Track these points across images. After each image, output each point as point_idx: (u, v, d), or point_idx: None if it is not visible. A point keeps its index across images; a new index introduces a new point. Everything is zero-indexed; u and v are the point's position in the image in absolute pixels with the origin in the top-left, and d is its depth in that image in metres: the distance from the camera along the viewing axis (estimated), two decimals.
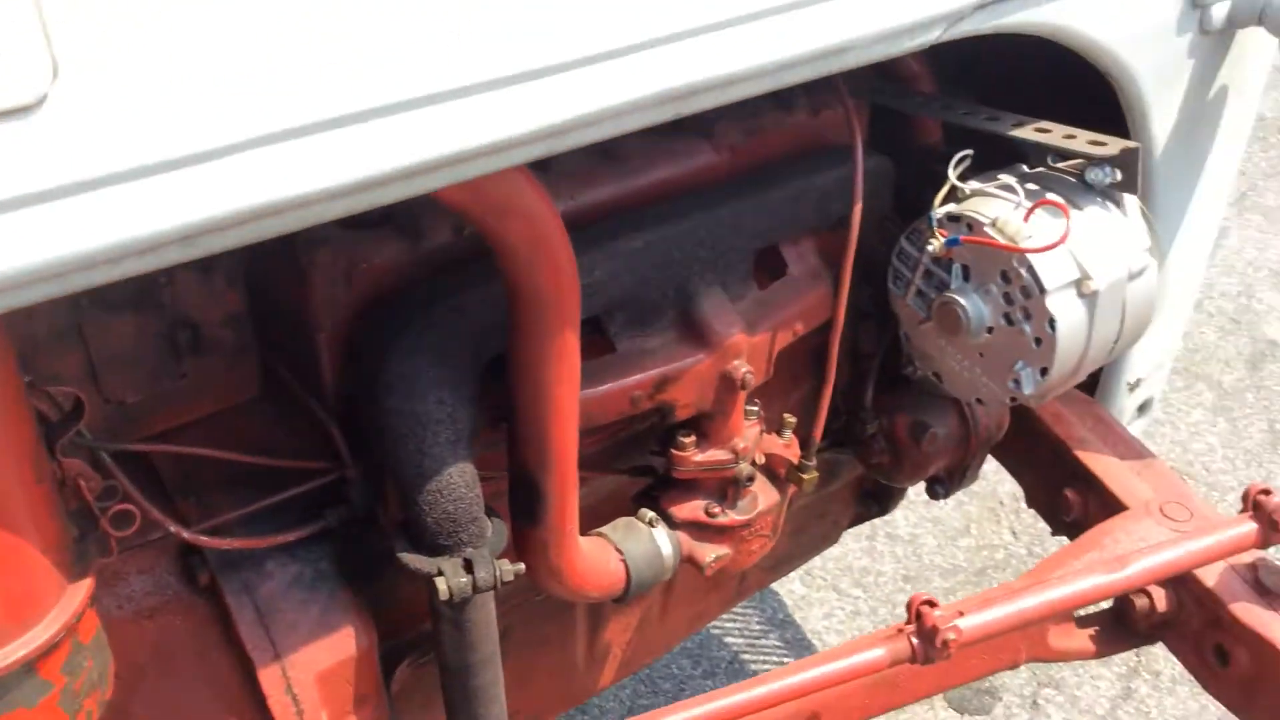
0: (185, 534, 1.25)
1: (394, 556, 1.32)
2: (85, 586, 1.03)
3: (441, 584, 1.28)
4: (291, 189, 0.86)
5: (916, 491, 2.02)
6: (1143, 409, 2.11)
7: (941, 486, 1.91)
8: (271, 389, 1.37)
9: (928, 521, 3.19)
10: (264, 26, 0.83)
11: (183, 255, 0.85)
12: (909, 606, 1.42)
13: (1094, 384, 1.96)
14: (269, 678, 1.31)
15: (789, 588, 3.01)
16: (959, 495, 3.25)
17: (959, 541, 3.15)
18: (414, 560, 1.30)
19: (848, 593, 3.02)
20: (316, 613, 1.35)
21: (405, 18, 0.89)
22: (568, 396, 1.28)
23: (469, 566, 1.30)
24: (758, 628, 2.91)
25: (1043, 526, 1.91)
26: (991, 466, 2.02)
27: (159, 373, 1.27)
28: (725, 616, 2.94)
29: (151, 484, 1.29)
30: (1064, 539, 1.85)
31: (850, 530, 2.86)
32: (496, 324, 1.27)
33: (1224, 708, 1.66)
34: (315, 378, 1.33)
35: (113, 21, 0.76)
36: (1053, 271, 1.41)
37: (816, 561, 3.03)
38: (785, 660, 2.83)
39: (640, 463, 1.63)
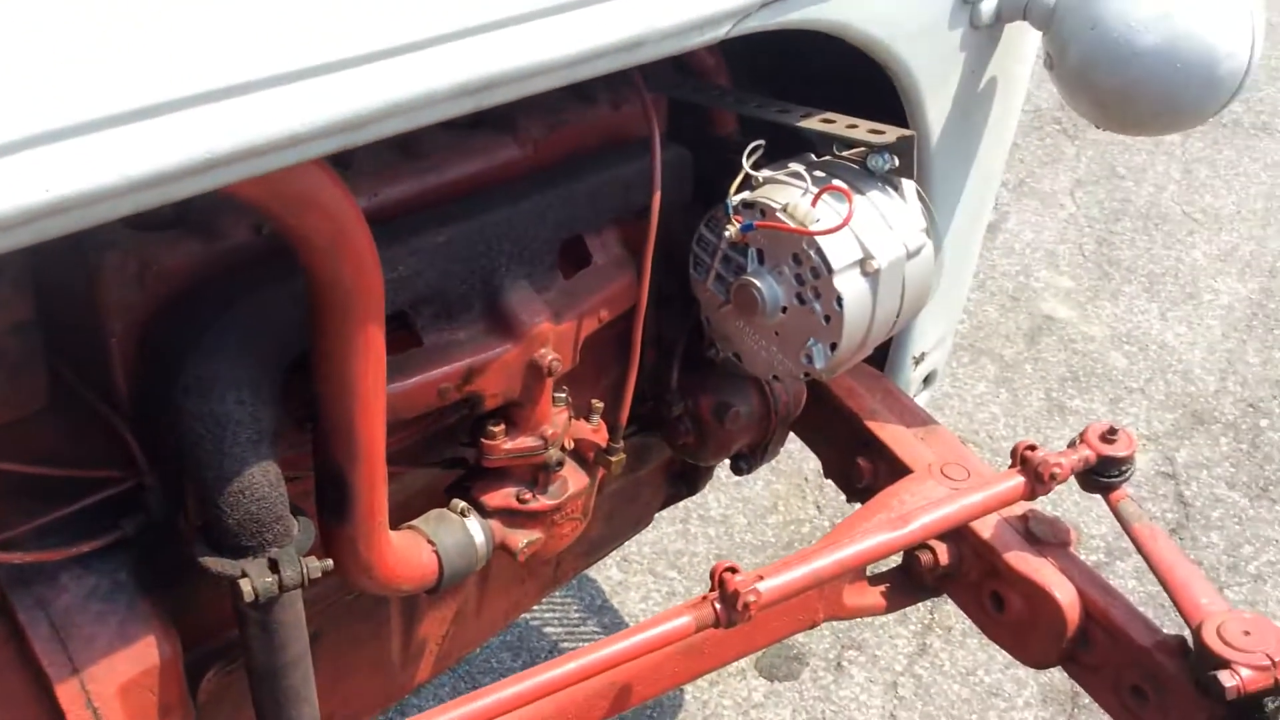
0: None
1: (195, 562, 1.29)
2: None
3: (246, 585, 1.26)
4: (77, 185, 0.84)
5: (728, 475, 2.09)
6: (927, 381, 2.25)
7: (745, 462, 1.99)
8: (63, 399, 1.31)
9: (738, 502, 3.30)
10: (52, 16, 0.80)
11: None
12: (712, 574, 1.48)
13: (882, 360, 2.08)
14: (67, 693, 1.26)
15: (606, 574, 3.06)
16: (767, 475, 3.38)
17: (768, 519, 3.27)
18: (216, 563, 1.27)
19: (664, 575, 3.09)
20: (115, 624, 1.30)
21: (199, 8, 0.87)
22: (373, 391, 1.27)
23: (274, 566, 1.28)
24: (576, 615, 2.95)
25: (844, 500, 2.02)
26: (796, 445, 2.11)
27: None
28: (544, 606, 2.96)
29: None
30: (859, 505, 1.96)
31: (664, 514, 2.94)
32: (297, 322, 1.26)
33: (1006, 652, 1.79)
34: (108, 384, 1.28)
35: None
36: (839, 252, 1.49)
37: (632, 547, 3.09)
38: None
39: (452, 455, 1.63)
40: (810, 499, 3.34)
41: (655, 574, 3.09)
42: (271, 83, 0.92)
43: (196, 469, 1.25)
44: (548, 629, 2.92)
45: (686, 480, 2.24)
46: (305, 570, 1.30)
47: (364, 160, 1.38)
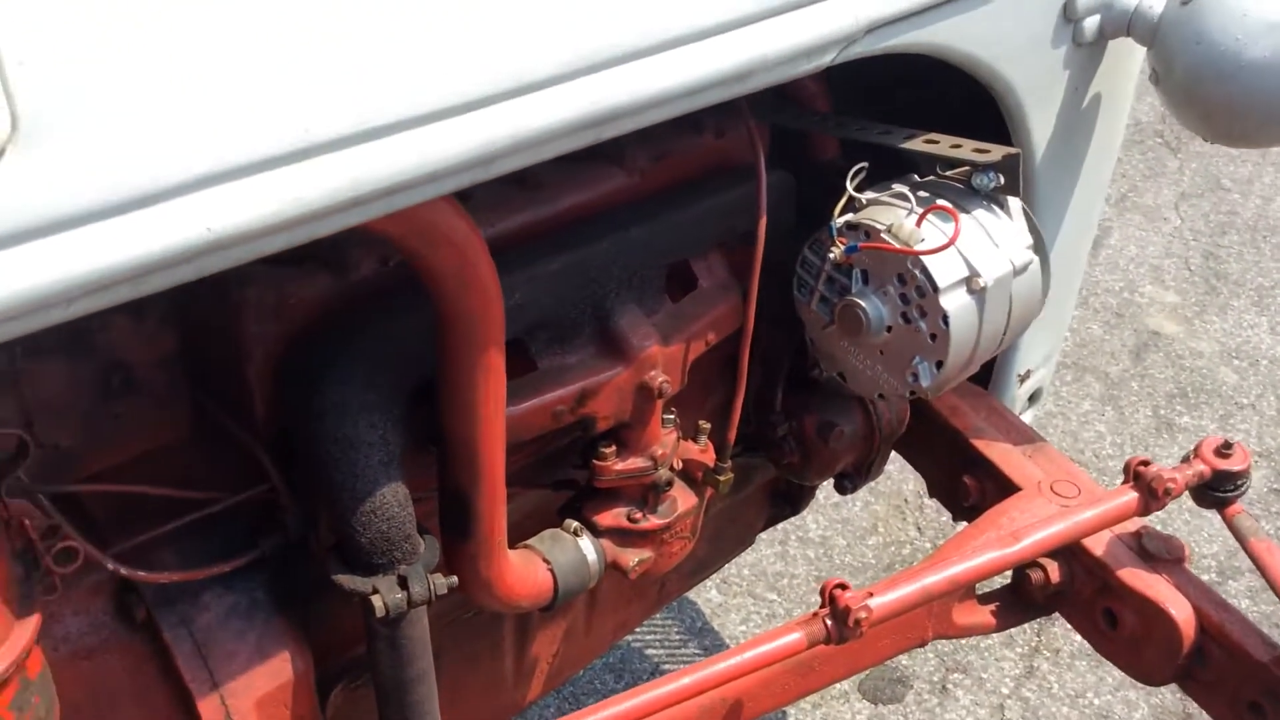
0: (122, 569, 1.26)
1: (328, 580, 1.34)
2: (32, 624, 1.04)
3: (377, 601, 1.31)
4: (236, 224, 0.90)
5: (826, 496, 2.10)
6: (1033, 399, 2.24)
7: (849, 481, 2.00)
8: (204, 429, 1.38)
9: (837, 523, 3.30)
10: (199, 67, 0.86)
11: (133, 293, 0.87)
12: (822, 591, 1.49)
13: (987, 377, 2.08)
14: (208, 708, 1.32)
15: (706, 596, 3.08)
16: (866, 495, 3.37)
17: (867, 540, 3.26)
18: (349, 581, 1.33)
19: (763, 597, 3.10)
20: (253, 640, 1.37)
21: (334, 53, 0.93)
22: (495, 415, 1.32)
23: (403, 583, 1.34)
24: (677, 638, 2.97)
25: (946, 520, 2.02)
26: (896, 466, 2.11)
27: (92, 415, 1.27)
28: (645, 629, 2.99)
29: (86, 525, 1.29)
30: (965, 525, 1.95)
31: (763, 536, 2.95)
32: (422, 350, 1.31)
33: (1119, 671, 1.77)
34: (247, 412, 1.35)
35: (68, 77, 0.79)
36: (944, 271, 1.50)
37: (731, 569, 3.10)
38: None
39: (563, 476, 1.68)
40: (910, 520, 3.32)
41: (755, 596, 3.10)
42: (410, 123, 0.97)
43: (330, 490, 1.31)
44: (650, 651, 2.95)
45: (789, 500, 2.25)
46: (432, 586, 1.35)
47: (483, 193, 1.44)
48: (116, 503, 1.33)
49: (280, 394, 1.34)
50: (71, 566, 1.10)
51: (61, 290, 0.83)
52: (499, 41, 1.01)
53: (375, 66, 0.95)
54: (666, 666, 2.93)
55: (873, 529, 3.29)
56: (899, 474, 3.28)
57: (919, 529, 3.30)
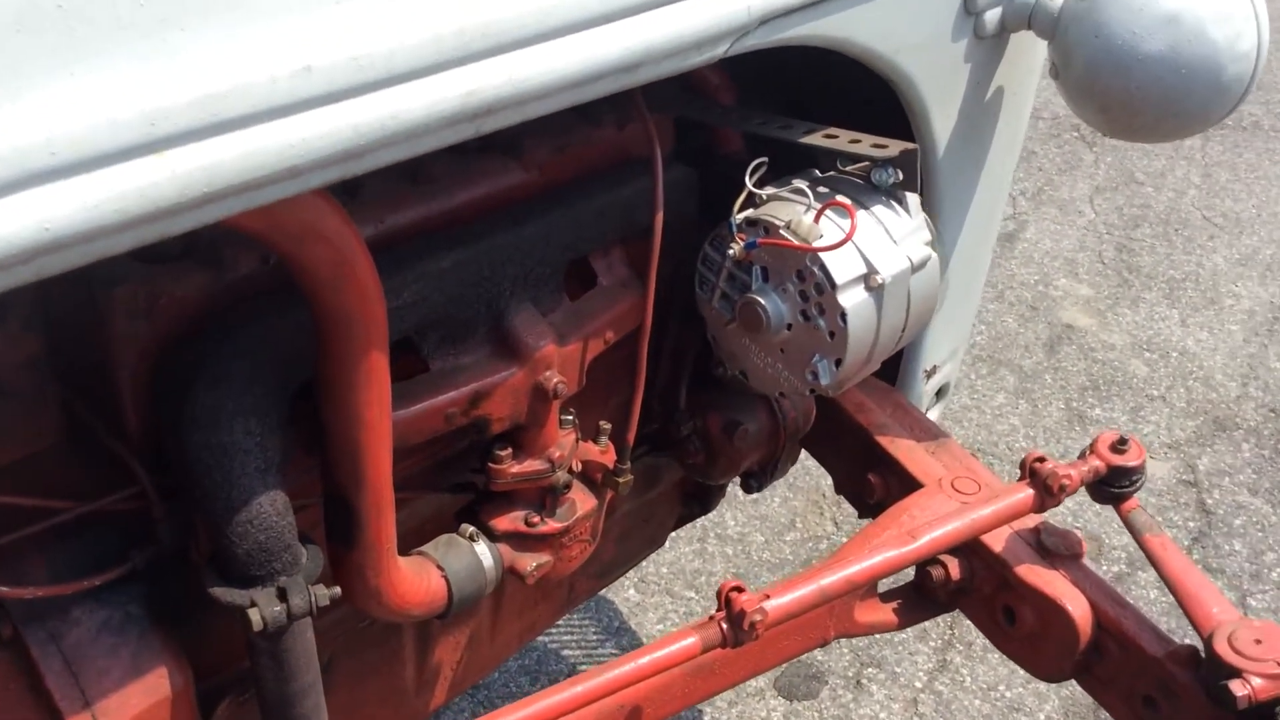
0: None
1: (205, 592, 1.29)
2: None
3: (255, 615, 1.26)
4: (74, 223, 0.84)
5: (744, 492, 2.08)
6: (940, 394, 2.24)
7: (755, 480, 1.98)
8: (75, 433, 1.32)
9: (756, 519, 3.29)
10: (33, 53, 0.81)
11: None
12: (719, 594, 1.47)
13: (894, 374, 2.07)
14: None
15: (624, 595, 3.06)
16: (784, 491, 3.37)
17: (785, 536, 3.26)
18: (226, 594, 1.27)
19: (681, 595, 3.08)
20: (127, 656, 1.31)
21: (183, 39, 0.88)
22: (379, 418, 1.28)
23: (283, 595, 1.28)
24: (594, 637, 2.94)
25: (851, 505, 2.01)
26: (813, 461, 2.10)
27: None
28: (561, 629, 2.96)
29: None
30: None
31: (681, 533, 2.93)
32: (303, 350, 1.26)
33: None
34: (119, 417, 1.29)
35: None
36: (842, 268, 1.48)
37: (649, 567, 3.08)
38: None
39: (461, 480, 1.63)
40: (828, 515, 3.32)
41: (673, 594, 3.08)
42: (269, 115, 0.92)
43: (204, 500, 1.25)
44: (565, 651, 2.92)
45: (699, 499, 2.23)
46: (313, 599, 1.30)
47: (370, 186, 1.39)
48: None
49: (153, 398, 1.28)
50: None
51: None
52: (365, 26, 0.97)
53: (229, 53, 0.90)
54: (583, 667, 2.90)
55: (791, 524, 3.29)
56: (816, 469, 3.27)
57: (836, 524, 3.30)
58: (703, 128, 1.70)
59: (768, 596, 1.44)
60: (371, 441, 1.29)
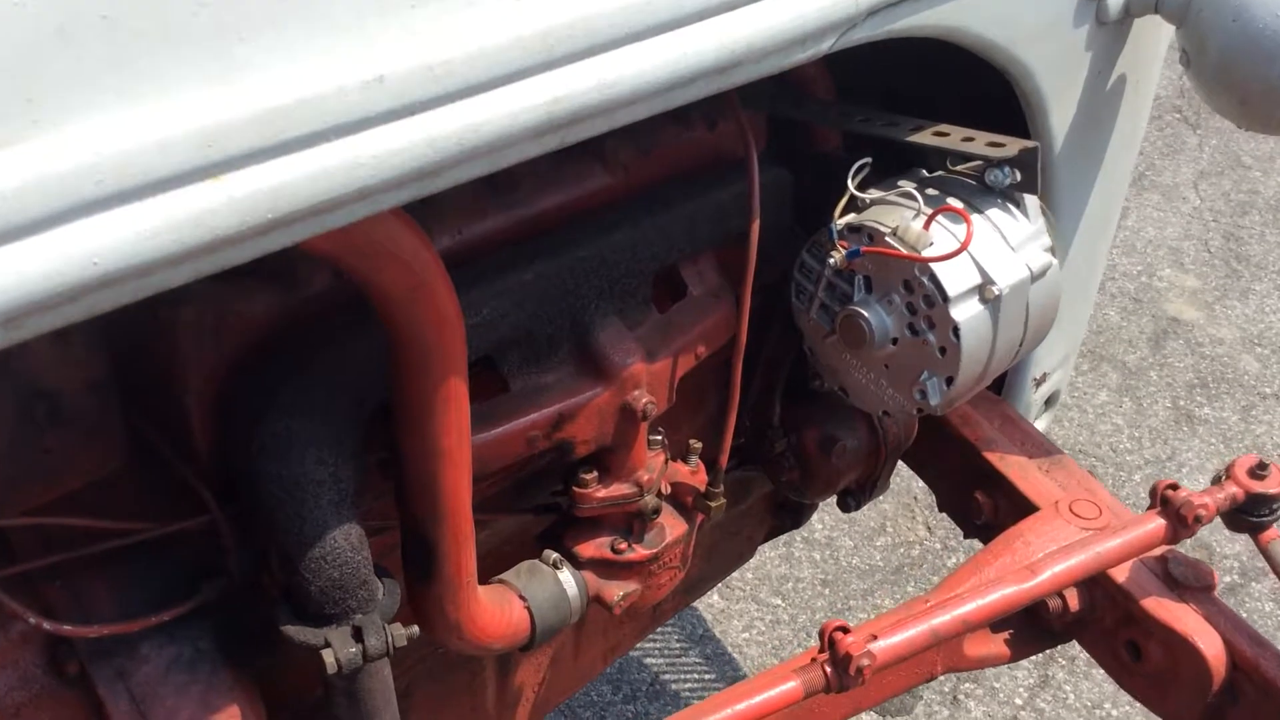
0: (46, 624, 1.13)
1: (278, 628, 1.22)
2: None
3: (329, 656, 1.19)
4: (125, 258, 0.77)
5: (841, 510, 1.97)
6: (1049, 403, 2.11)
7: (853, 498, 1.87)
8: (141, 459, 1.26)
9: (844, 523, 3.17)
10: (76, 75, 0.73)
11: (7, 339, 0.75)
12: (821, 634, 1.37)
13: (1000, 382, 1.94)
14: None
15: (708, 601, 2.96)
16: None
17: (875, 541, 3.13)
18: (299, 633, 1.21)
19: (767, 602, 2.98)
20: (197, 695, 1.24)
21: (239, 52, 0.79)
22: (457, 445, 1.19)
23: (358, 634, 1.21)
24: (678, 646, 2.86)
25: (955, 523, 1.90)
26: (903, 463, 1.99)
27: (16, 450, 1.15)
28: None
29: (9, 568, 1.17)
30: (977, 539, 1.82)
31: None
32: (378, 372, 1.18)
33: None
34: (187, 442, 1.22)
35: None
36: (955, 279, 1.36)
37: (734, 573, 2.98)
38: (707, 677, 2.77)
39: (544, 501, 1.55)
40: (920, 519, 3.19)
41: (758, 601, 2.98)
42: (337, 132, 0.84)
43: (276, 534, 1.18)
44: (649, 660, 2.83)
45: (791, 511, 2.13)
46: (390, 638, 1.23)
47: (446, 195, 1.30)
48: (47, 546, 1.21)
49: (223, 424, 1.21)
50: None
51: None
52: (441, 31, 0.88)
53: (293, 65, 0.81)
54: (666, 676, 2.82)
55: (881, 529, 3.16)
56: (908, 472, 3.15)
57: (929, 529, 3.17)
58: (798, 125, 1.59)
59: (874, 637, 1.33)
60: (449, 471, 1.21)
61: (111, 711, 1.20)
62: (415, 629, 1.25)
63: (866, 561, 3.08)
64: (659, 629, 2.88)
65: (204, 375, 1.19)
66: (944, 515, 3.14)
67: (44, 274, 0.74)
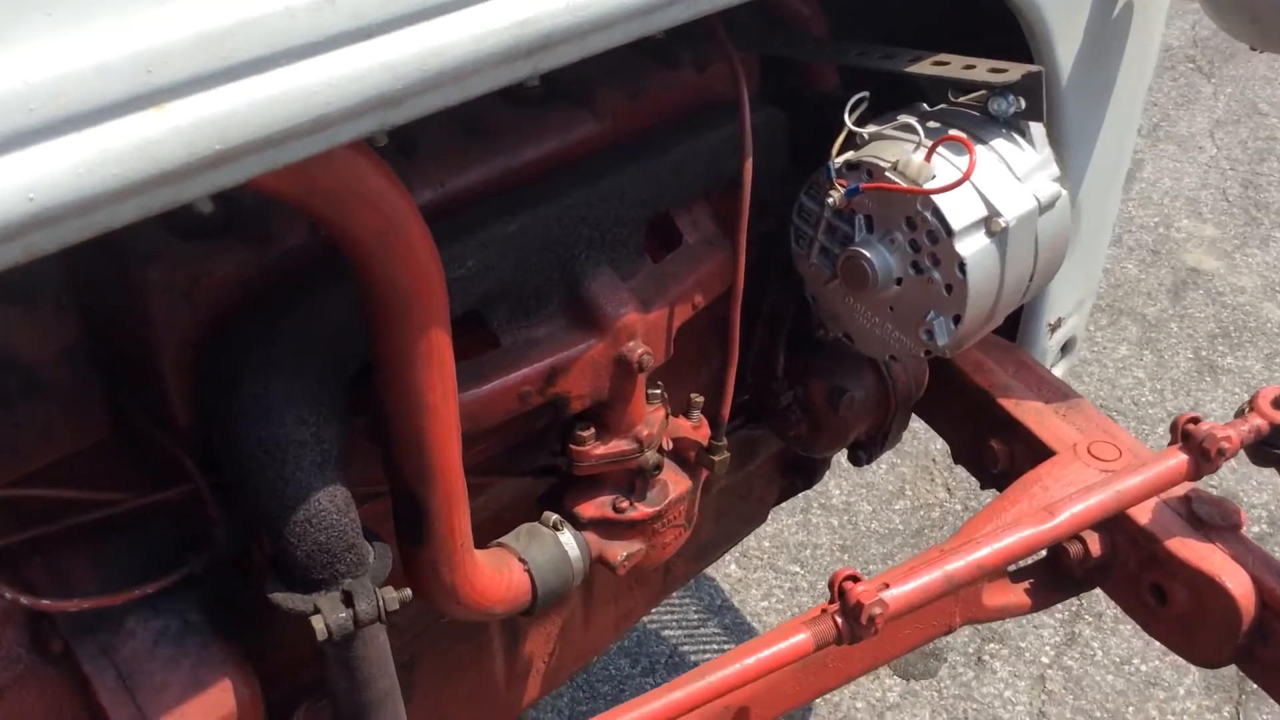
0: (23, 599, 1.10)
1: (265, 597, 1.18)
2: None
3: (318, 622, 1.15)
4: (65, 192, 0.72)
5: (853, 465, 1.92)
6: (1065, 349, 2.04)
7: (864, 452, 1.82)
8: (121, 430, 1.22)
9: (861, 488, 3.12)
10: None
11: None
12: (831, 584, 1.32)
13: (1014, 328, 1.89)
14: None
15: (725, 571, 2.92)
16: (891, 457, 3.18)
17: (894, 505, 3.08)
18: (286, 599, 1.16)
19: (785, 569, 2.93)
20: (187, 669, 1.20)
21: None
22: (443, 401, 1.15)
23: (349, 599, 1.17)
24: (695, 617, 2.81)
25: (971, 475, 1.84)
26: (922, 424, 1.94)
27: None
28: (661, 609, 2.83)
29: None
30: (995, 492, 1.77)
31: (784, 505, 2.77)
32: (359, 330, 1.14)
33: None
34: (165, 410, 1.18)
35: None
36: (959, 211, 1.31)
37: (751, 541, 2.94)
38: (727, 647, 2.73)
39: (541, 463, 1.50)
40: (939, 481, 3.13)
41: (776, 569, 2.93)
42: (288, 56, 0.79)
43: (259, 498, 1.14)
44: (666, 632, 2.79)
45: (802, 472, 2.08)
46: (382, 602, 1.18)
47: (427, 145, 1.26)
48: (25, 521, 1.17)
49: (200, 388, 1.17)
50: None
51: None
52: None
53: None
54: (685, 648, 2.77)
55: (899, 492, 3.11)
56: (925, 432, 3.09)
57: (949, 490, 3.11)
58: (792, 65, 1.53)
59: (886, 585, 1.28)
60: (436, 428, 1.16)
61: (97, 688, 1.17)
62: (408, 592, 1.21)
63: (885, 525, 3.03)
64: (676, 599, 2.84)
65: (178, 338, 1.14)
66: (964, 477, 3.09)
67: None
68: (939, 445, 3.17)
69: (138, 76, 0.73)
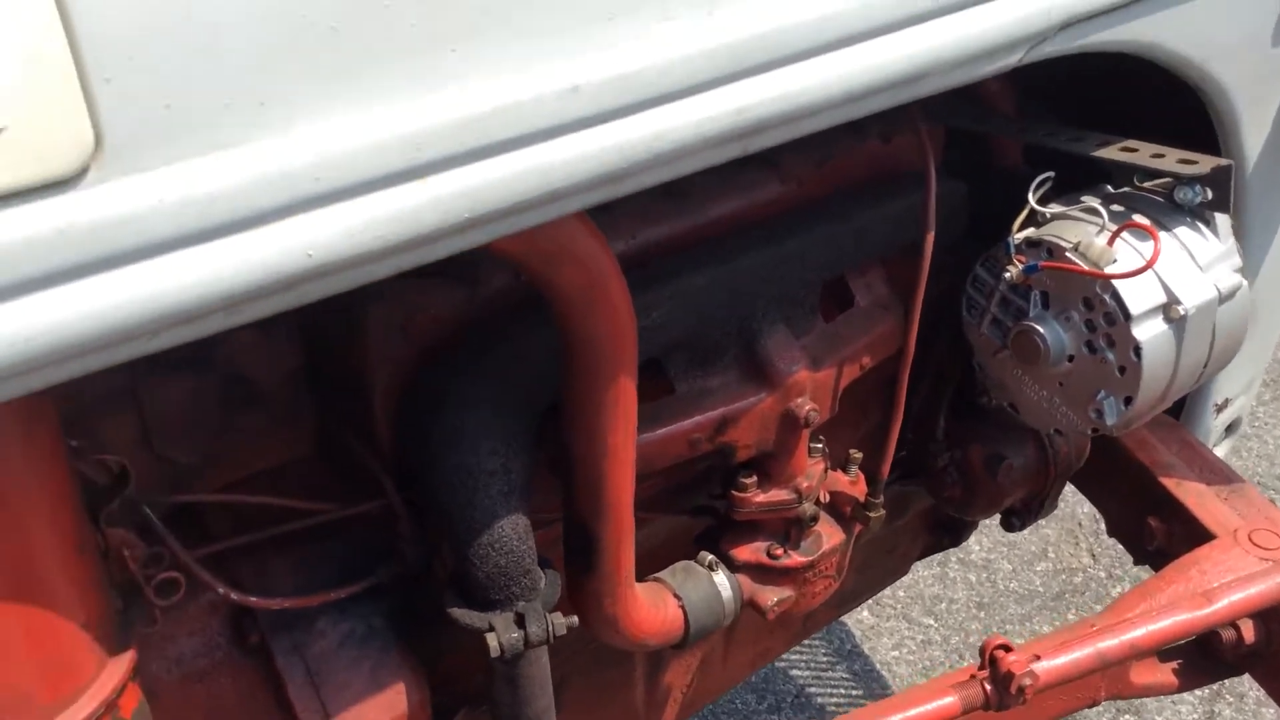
0: (234, 595, 1.21)
1: (444, 610, 1.27)
2: (127, 660, 0.99)
3: (492, 640, 1.23)
4: (338, 250, 0.81)
5: (1004, 530, 1.93)
6: (1230, 429, 2.01)
7: (1017, 518, 1.83)
8: (327, 447, 1.33)
9: (1003, 545, 3.09)
10: (298, 83, 0.78)
11: (226, 323, 0.80)
12: (983, 651, 1.35)
13: (1180, 406, 1.87)
14: None
15: (858, 617, 2.93)
16: None
17: (1035, 566, 3.04)
18: (465, 616, 1.25)
19: (919, 621, 2.93)
20: (368, 671, 1.30)
21: (444, 63, 0.83)
22: (624, 444, 1.22)
23: (521, 621, 1.25)
24: (825, 659, 2.83)
25: (1123, 549, 1.83)
26: (1070, 486, 1.94)
27: (212, 430, 1.23)
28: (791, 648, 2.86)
29: (203, 544, 1.25)
30: (1144, 567, 1.76)
31: None
32: (551, 371, 1.22)
33: None
34: (370, 432, 1.28)
35: (153, 94, 0.72)
36: (1138, 296, 1.33)
37: (886, 589, 2.94)
38: (854, 693, 2.74)
39: (701, 503, 1.56)
40: (1084, 546, 3.08)
41: (910, 620, 2.93)
42: (534, 138, 0.87)
43: (448, 520, 1.23)
44: (794, 672, 2.82)
45: (949, 529, 2.09)
46: (550, 626, 1.26)
47: (622, 201, 1.33)
48: (235, 522, 1.29)
49: (403, 415, 1.27)
50: (172, 599, 1.05)
51: (149, 320, 0.76)
52: (634, 42, 0.90)
53: (497, 74, 0.85)
54: (811, 689, 2.80)
55: (1042, 554, 3.07)
56: (1073, 495, 3.05)
57: (1093, 556, 3.06)
58: (977, 138, 1.57)
59: (1038, 657, 1.31)
60: (615, 468, 1.23)
61: (288, 681, 1.27)
62: (575, 619, 1.28)
63: (1025, 586, 3.00)
64: (807, 640, 2.86)
65: (390, 369, 1.24)
66: (1111, 544, 3.04)
67: (264, 263, 0.79)
68: (1086, 509, 3.12)
69: (407, 153, 0.82)
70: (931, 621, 2.92)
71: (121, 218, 0.73)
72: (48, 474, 0.90)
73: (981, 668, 1.32)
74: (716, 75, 0.94)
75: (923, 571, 3.02)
